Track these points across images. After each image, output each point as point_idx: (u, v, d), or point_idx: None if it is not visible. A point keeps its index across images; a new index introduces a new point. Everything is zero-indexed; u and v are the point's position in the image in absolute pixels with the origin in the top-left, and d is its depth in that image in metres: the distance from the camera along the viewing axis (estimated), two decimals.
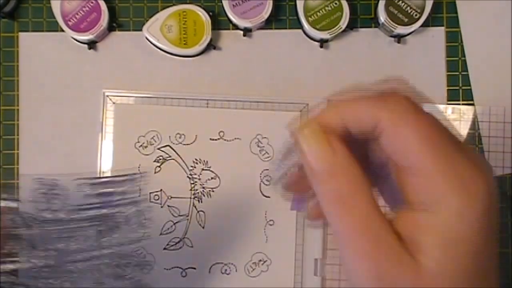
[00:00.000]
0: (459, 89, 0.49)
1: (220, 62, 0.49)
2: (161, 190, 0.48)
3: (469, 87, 0.49)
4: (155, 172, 0.48)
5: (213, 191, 0.48)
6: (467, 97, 0.49)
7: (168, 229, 0.48)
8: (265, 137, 0.48)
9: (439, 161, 0.23)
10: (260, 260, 0.48)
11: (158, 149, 0.48)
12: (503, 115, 0.49)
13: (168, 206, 0.48)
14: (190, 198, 0.48)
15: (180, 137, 0.48)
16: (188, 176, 0.48)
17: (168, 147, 0.48)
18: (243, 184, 0.48)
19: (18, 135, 0.48)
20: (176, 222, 0.48)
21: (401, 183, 0.24)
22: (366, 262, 0.23)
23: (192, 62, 0.49)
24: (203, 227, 0.48)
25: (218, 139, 0.48)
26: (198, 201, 0.48)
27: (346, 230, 0.23)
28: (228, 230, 0.48)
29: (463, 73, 0.49)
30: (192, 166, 0.48)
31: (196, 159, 0.48)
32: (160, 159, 0.48)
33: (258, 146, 0.48)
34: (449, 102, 0.49)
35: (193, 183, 0.48)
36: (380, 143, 0.25)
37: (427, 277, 0.22)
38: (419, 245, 0.23)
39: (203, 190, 0.48)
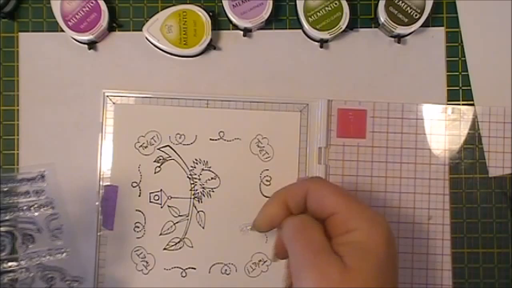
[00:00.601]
0: (459, 89, 0.49)
1: (220, 62, 0.49)
2: (161, 190, 0.48)
3: (469, 87, 0.49)
4: (155, 172, 0.48)
5: (213, 191, 0.48)
6: (467, 97, 0.49)
7: (168, 229, 0.48)
8: (265, 137, 0.48)
9: (351, 205, 0.36)
10: (260, 260, 0.48)
11: (158, 149, 0.48)
12: (503, 115, 0.49)
13: (168, 206, 0.48)
14: (190, 198, 0.48)
15: (180, 137, 0.48)
16: (188, 176, 0.48)
17: (168, 147, 0.48)
18: (243, 184, 0.48)
19: (18, 135, 0.48)
20: (176, 222, 0.48)
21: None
22: (310, 267, 0.34)
23: (192, 62, 0.49)
24: (203, 227, 0.48)
25: (218, 139, 0.48)
26: (198, 201, 0.48)
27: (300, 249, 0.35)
28: (228, 230, 0.48)
29: (463, 73, 0.49)
30: (192, 166, 0.48)
31: (196, 159, 0.48)
32: (160, 159, 0.48)
33: (258, 146, 0.48)
34: (449, 102, 0.49)
35: (193, 183, 0.48)
36: (308, 205, 0.38)
37: (350, 272, 0.33)
38: (345, 254, 0.34)
39: (203, 190, 0.48)
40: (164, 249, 0.48)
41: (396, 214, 0.48)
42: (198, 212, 0.48)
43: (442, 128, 0.49)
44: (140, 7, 0.49)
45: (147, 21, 0.47)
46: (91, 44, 0.48)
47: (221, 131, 0.48)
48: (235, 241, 0.48)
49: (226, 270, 0.48)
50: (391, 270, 0.35)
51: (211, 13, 0.47)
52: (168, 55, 0.48)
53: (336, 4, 0.47)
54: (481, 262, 0.48)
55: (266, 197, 0.48)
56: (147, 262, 0.48)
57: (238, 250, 0.48)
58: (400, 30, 0.47)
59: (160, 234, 0.48)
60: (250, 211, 0.47)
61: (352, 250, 0.34)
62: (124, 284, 0.47)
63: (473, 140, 0.49)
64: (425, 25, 0.48)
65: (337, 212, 0.36)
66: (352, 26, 0.48)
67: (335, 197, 0.37)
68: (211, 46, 0.48)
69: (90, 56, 0.48)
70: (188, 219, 0.48)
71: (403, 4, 0.47)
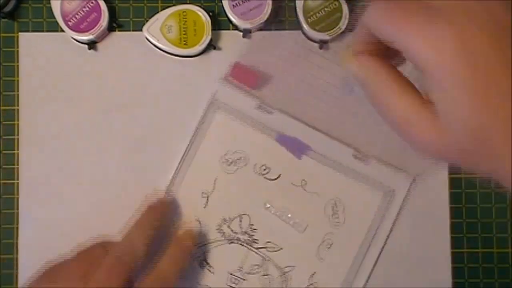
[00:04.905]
0: None
1: (220, 62, 0.49)
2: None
3: None
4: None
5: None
6: None
7: None
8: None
9: (405, 28, 0.27)
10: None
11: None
12: None
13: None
14: None
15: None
16: None
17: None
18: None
19: (18, 135, 0.48)
20: None
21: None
22: (398, 105, 0.29)
23: (192, 62, 0.49)
24: None
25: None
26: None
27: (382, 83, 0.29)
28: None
29: None
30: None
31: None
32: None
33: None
34: None
35: None
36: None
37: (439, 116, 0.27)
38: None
39: None
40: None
41: None
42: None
43: None
44: (140, 7, 0.49)
45: (147, 21, 0.47)
46: (91, 44, 0.48)
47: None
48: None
49: None
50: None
51: (211, 13, 0.47)
52: (168, 55, 0.48)
53: (335, 5, 0.47)
54: (480, 262, 0.48)
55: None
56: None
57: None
58: None
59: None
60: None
61: (433, 86, 0.27)
62: None
63: None
64: None
65: (397, 43, 0.28)
66: (351, 27, 0.48)
67: (386, 28, 0.28)
68: (211, 46, 0.48)
69: (90, 56, 0.48)
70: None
71: None
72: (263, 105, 0.48)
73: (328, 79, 0.48)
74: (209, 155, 0.48)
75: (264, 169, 0.48)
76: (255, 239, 0.48)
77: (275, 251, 0.47)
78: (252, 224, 0.48)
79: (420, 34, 0.26)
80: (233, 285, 0.47)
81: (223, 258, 0.47)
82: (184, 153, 0.47)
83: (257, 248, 0.48)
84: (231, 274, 0.47)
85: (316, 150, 0.48)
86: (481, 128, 0.26)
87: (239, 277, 0.47)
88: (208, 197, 0.48)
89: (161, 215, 0.45)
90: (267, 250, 0.48)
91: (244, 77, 0.47)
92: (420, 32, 0.27)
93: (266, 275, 0.47)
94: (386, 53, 0.31)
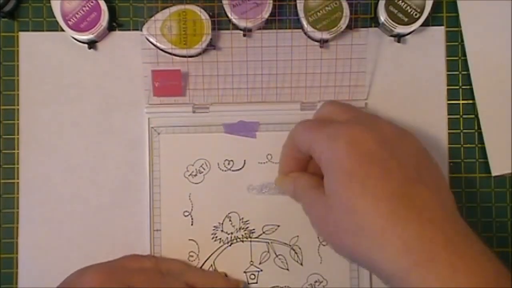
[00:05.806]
0: (459, 88, 0.49)
1: (220, 62, 0.49)
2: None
3: (469, 87, 0.49)
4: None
5: None
6: (468, 97, 0.49)
7: None
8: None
9: (313, 134, 0.39)
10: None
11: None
12: (504, 113, 0.48)
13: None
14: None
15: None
16: None
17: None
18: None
19: (18, 135, 0.48)
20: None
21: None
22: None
23: (192, 62, 0.48)
24: None
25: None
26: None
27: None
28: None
29: (463, 72, 0.49)
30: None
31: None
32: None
33: None
34: (449, 102, 0.49)
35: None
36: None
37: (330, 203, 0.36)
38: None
39: None
40: None
41: None
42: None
43: (443, 126, 0.49)
44: (140, 7, 0.49)
45: (147, 21, 0.47)
46: (91, 44, 0.48)
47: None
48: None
49: None
50: (374, 175, 0.35)
51: (211, 13, 0.47)
52: (168, 55, 0.48)
53: (336, 4, 0.47)
54: None
55: None
56: None
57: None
58: (400, 29, 0.47)
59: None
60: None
61: (325, 173, 0.37)
62: None
63: (474, 139, 0.49)
64: (425, 24, 0.48)
65: (309, 147, 0.39)
66: (352, 25, 0.48)
67: (303, 136, 0.40)
68: (211, 46, 0.48)
69: (90, 56, 0.48)
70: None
71: (403, 3, 0.47)
72: (196, 106, 0.48)
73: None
74: (172, 177, 0.48)
75: (228, 163, 0.48)
76: (252, 229, 0.48)
77: (275, 231, 0.48)
78: (242, 218, 0.48)
79: (324, 138, 0.37)
80: (253, 281, 0.47)
81: (232, 262, 0.47)
82: (149, 186, 0.47)
83: (258, 237, 0.48)
84: (246, 272, 0.47)
85: (265, 121, 0.48)
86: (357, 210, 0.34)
87: (255, 271, 0.47)
88: (191, 215, 0.48)
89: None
90: (267, 234, 0.48)
91: (168, 89, 0.47)
92: (323, 138, 0.37)
93: (277, 255, 0.47)
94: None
